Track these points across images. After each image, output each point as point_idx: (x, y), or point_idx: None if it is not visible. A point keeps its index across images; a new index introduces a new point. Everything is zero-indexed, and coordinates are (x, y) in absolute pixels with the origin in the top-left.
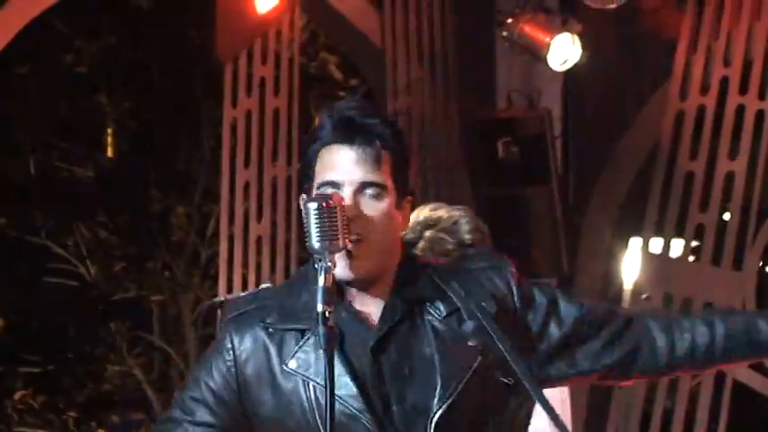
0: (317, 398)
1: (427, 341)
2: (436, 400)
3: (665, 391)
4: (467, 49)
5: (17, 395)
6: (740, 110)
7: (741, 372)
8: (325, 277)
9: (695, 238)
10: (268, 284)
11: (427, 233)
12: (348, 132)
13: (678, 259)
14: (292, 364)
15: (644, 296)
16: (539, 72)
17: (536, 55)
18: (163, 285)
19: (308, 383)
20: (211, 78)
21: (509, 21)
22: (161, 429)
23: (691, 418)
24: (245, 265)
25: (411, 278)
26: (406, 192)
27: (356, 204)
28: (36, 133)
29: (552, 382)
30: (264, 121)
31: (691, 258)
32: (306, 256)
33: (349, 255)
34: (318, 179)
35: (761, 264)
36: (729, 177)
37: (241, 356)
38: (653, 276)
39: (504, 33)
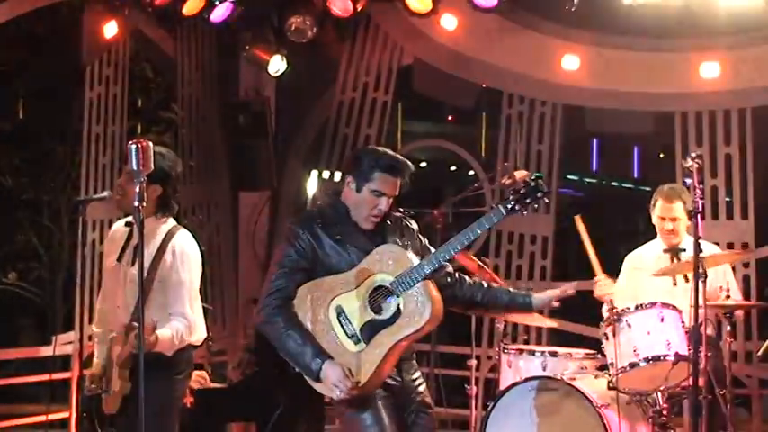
0: (352, 252)
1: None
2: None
3: None
4: (224, 63)
5: None
6: (374, 101)
7: None
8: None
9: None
10: (108, 192)
11: None
12: (396, 171)
13: (338, 182)
14: (339, 237)
15: (319, 202)
16: (263, 76)
17: (261, 67)
18: (50, 191)
19: (348, 247)
20: (77, 74)
21: (247, 48)
22: (284, 307)
23: None
24: (95, 180)
25: (385, 221)
26: None
27: (388, 203)
28: None
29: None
30: (108, 99)
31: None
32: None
33: (376, 219)
34: (374, 187)
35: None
36: (368, 139)
37: (311, 238)
38: (322, 190)
39: (245, 54)
